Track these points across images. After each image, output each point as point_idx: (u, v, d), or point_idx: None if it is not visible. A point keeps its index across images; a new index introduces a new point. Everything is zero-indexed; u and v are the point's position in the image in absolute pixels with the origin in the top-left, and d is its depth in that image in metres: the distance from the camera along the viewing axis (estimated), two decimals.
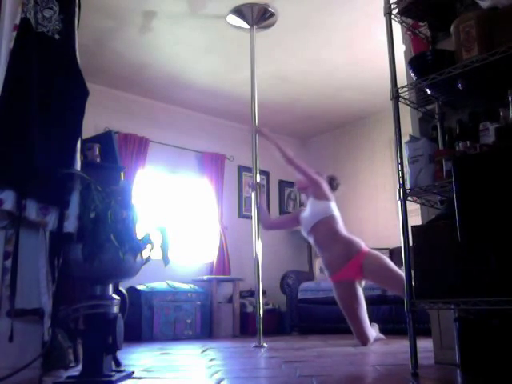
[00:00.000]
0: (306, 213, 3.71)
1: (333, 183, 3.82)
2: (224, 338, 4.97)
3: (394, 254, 5.37)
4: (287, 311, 5.44)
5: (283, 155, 3.71)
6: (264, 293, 4.76)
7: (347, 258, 3.51)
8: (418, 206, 2.40)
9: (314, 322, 4.95)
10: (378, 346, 3.42)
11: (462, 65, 2.02)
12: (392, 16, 2.36)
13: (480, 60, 1.96)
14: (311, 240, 3.70)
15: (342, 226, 3.65)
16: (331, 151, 6.69)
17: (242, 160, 6.14)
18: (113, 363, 1.90)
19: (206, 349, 3.51)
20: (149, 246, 1.88)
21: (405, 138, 2.25)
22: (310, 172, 3.71)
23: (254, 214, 3.86)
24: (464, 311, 2.02)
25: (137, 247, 1.84)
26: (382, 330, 3.96)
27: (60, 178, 1.80)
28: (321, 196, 3.64)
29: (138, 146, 5.30)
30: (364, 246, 3.63)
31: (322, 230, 3.60)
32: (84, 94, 1.98)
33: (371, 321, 3.66)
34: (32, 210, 1.74)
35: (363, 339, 3.39)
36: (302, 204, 4.03)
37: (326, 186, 3.69)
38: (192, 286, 5.21)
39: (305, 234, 3.74)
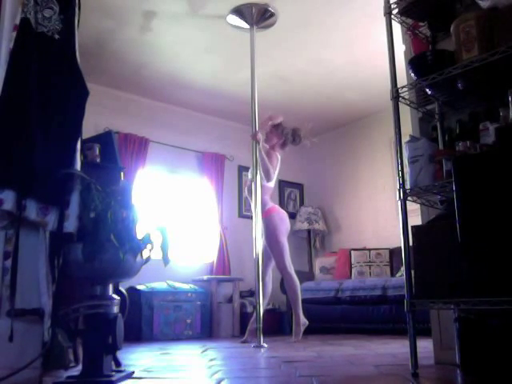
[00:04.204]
0: None
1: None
2: (224, 337, 4.97)
3: (394, 253, 5.38)
4: (287, 311, 5.44)
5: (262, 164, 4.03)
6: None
7: None
8: (418, 206, 2.40)
9: (313, 321, 4.94)
10: (378, 345, 3.42)
11: (461, 65, 2.02)
12: (392, 16, 2.36)
13: (480, 60, 1.96)
14: None
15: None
16: (331, 151, 6.69)
17: (241, 160, 6.14)
18: (113, 363, 1.89)
19: (206, 349, 3.51)
20: (149, 246, 1.88)
21: (405, 138, 2.25)
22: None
23: (254, 214, 3.87)
24: (464, 311, 2.02)
25: (137, 247, 1.84)
26: (382, 330, 3.95)
27: (60, 178, 1.79)
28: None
29: (138, 146, 5.30)
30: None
31: None
32: (84, 93, 1.98)
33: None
34: (32, 210, 1.74)
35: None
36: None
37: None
38: (192, 285, 5.21)
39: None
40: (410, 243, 2.10)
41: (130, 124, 5.35)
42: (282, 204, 6.70)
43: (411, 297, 2.04)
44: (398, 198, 2.17)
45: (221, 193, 5.87)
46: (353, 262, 5.59)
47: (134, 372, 2.04)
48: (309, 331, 4.15)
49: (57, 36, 1.95)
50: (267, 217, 4.07)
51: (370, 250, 5.60)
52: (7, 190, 1.71)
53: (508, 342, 1.86)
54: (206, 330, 5.05)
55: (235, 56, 4.69)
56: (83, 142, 2.04)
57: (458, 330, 2.04)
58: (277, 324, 5.50)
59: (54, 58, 1.94)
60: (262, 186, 4.01)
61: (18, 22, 1.90)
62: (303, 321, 4.05)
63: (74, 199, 1.80)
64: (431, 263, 2.00)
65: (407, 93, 2.26)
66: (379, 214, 5.94)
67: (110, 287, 1.86)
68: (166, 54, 4.70)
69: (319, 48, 4.60)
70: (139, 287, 4.76)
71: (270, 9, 3.96)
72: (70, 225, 1.77)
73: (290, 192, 6.81)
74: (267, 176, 4.03)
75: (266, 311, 4.26)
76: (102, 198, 1.79)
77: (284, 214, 4.20)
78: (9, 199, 1.71)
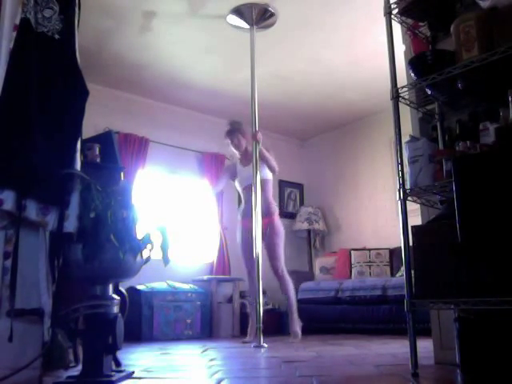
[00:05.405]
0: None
1: None
2: (224, 337, 4.97)
3: (394, 253, 5.38)
4: (287, 311, 5.43)
5: (267, 160, 4.12)
6: (264, 293, 4.76)
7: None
8: (418, 206, 2.40)
9: (313, 321, 4.95)
10: (378, 345, 3.42)
11: (461, 65, 2.02)
12: (392, 16, 2.36)
13: (480, 60, 1.96)
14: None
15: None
16: (331, 151, 6.69)
17: None
18: (113, 363, 1.89)
19: (206, 349, 3.51)
20: (149, 245, 1.88)
21: (405, 138, 2.25)
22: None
23: (254, 213, 3.86)
24: (464, 311, 2.02)
25: (137, 247, 1.84)
26: (382, 330, 3.95)
27: (60, 178, 1.79)
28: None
29: (138, 146, 5.30)
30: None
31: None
32: (84, 93, 1.98)
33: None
34: (32, 210, 1.74)
35: None
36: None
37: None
38: (192, 285, 5.21)
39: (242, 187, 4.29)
40: (410, 243, 2.10)
41: (129, 124, 5.35)
42: (282, 204, 6.72)
43: (411, 297, 2.04)
44: (398, 198, 2.17)
45: (221, 193, 5.86)
46: (353, 262, 5.59)
47: (133, 372, 2.04)
48: (309, 331, 4.16)
49: (57, 36, 1.95)
50: (275, 221, 4.18)
51: (369, 249, 5.60)
52: (7, 190, 1.71)
53: (508, 341, 1.86)
54: (205, 330, 5.05)
55: (235, 56, 4.69)
56: (83, 142, 2.04)
57: (458, 330, 2.04)
58: (277, 324, 5.50)
59: (54, 57, 1.94)
60: (266, 184, 4.13)
61: (17, 21, 1.89)
62: (299, 321, 4.15)
63: (74, 199, 1.80)
64: (431, 263, 2.00)
65: (407, 93, 2.26)
66: (379, 214, 5.93)
67: (110, 287, 1.86)
68: (166, 54, 4.70)
69: (319, 48, 4.60)
70: (139, 287, 4.76)
71: (269, 9, 3.96)
72: (70, 225, 1.77)
73: (290, 192, 6.80)
74: (274, 169, 4.17)
75: (266, 311, 4.28)
76: (101, 198, 1.79)
77: None
78: (9, 199, 1.71)
